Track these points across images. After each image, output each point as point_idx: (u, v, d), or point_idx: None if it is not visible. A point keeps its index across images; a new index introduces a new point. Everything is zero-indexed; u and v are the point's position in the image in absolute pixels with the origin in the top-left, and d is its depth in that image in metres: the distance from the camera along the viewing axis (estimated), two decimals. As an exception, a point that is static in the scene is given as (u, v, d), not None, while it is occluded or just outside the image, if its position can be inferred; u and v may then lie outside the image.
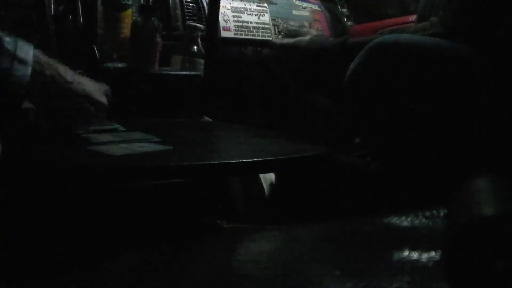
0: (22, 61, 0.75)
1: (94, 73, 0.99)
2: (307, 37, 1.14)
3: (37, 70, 0.78)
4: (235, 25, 1.59)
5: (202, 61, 1.38)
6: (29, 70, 0.76)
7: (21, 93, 0.75)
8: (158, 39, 1.27)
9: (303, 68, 1.12)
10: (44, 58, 0.81)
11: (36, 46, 0.79)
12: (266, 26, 1.66)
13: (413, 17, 1.48)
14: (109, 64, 1.27)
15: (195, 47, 1.41)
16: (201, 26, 1.43)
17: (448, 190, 0.60)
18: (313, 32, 1.38)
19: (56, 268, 0.78)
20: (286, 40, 1.17)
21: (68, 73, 0.84)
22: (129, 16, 1.32)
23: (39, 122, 0.86)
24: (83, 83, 0.86)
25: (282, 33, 1.67)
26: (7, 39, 0.75)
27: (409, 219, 0.63)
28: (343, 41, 1.09)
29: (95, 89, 0.88)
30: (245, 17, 1.62)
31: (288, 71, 1.16)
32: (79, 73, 0.90)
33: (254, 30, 1.63)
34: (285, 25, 1.71)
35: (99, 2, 1.29)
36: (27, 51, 0.77)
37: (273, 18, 1.69)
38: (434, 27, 0.96)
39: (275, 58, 1.20)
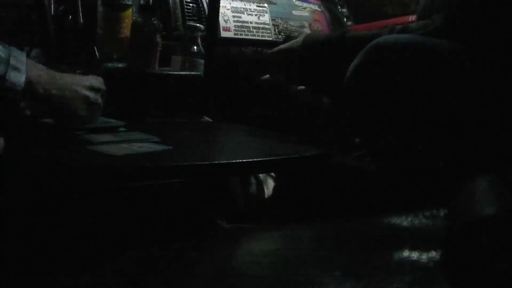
0: (16, 69, 0.76)
1: (94, 73, 0.99)
2: (301, 38, 1.13)
3: (30, 79, 0.78)
4: (235, 25, 1.59)
5: (202, 61, 1.38)
6: (23, 77, 0.76)
7: (17, 98, 0.76)
8: (158, 39, 1.27)
9: (303, 68, 1.12)
10: (35, 68, 0.81)
11: (28, 54, 0.80)
12: (266, 26, 1.67)
13: (413, 17, 1.48)
14: (109, 64, 1.27)
15: (195, 47, 1.41)
16: (201, 26, 1.43)
17: (448, 190, 0.60)
18: (307, 31, 1.37)
19: (57, 267, 0.78)
20: (282, 46, 1.16)
21: (61, 78, 0.84)
22: (129, 16, 1.32)
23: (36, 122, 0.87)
24: (76, 86, 0.86)
25: (282, 33, 1.66)
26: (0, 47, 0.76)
27: (409, 219, 0.63)
28: (342, 34, 1.08)
29: (89, 88, 0.89)
30: (245, 17, 1.62)
31: (287, 75, 1.15)
32: (78, 73, 0.90)
33: (254, 30, 1.63)
34: (285, 25, 1.71)
35: (99, 2, 1.29)
36: (20, 59, 0.77)
37: (273, 18, 1.69)
38: (436, 23, 0.96)
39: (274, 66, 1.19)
